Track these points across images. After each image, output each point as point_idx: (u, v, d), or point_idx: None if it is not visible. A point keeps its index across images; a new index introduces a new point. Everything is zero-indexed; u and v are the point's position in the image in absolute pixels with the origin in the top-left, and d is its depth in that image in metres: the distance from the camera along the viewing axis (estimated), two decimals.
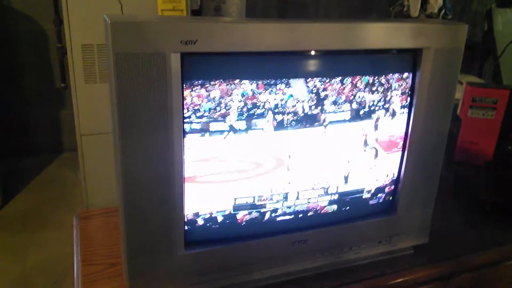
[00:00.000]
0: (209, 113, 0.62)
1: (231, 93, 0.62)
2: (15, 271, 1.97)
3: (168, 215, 0.64)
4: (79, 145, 2.07)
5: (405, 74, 0.73)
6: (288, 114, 0.66)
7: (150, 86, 0.57)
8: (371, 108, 0.72)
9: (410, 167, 0.79)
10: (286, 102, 0.65)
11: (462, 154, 1.21)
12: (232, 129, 0.64)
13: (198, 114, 0.61)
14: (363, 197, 0.79)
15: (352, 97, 0.70)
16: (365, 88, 0.70)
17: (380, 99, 0.72)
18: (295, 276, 0.77)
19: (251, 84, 0.63)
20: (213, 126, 0.63)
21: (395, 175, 0.80)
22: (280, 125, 0.66)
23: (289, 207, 0.73)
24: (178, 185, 0.63)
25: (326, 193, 0.75)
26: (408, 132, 0.77)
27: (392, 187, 0.81)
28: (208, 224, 0.69)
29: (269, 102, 0.64)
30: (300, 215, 0.75)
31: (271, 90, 0.64)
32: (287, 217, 0.74)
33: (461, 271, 0.88)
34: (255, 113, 0.64)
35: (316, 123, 0.68)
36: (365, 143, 0.74)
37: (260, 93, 0.63)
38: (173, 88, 0.58)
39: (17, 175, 2.73)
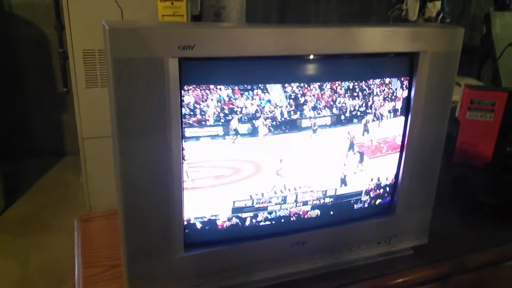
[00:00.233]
0: (207, 117, 0.63)
1: (230, 98, 0.63)
2: (17, 274, 1.97)
3: (167, 217, 0.65)
4: (81, 148, 2.09)
5: (403, 78, 0.74)
6: (287, 117, 0.67)
7: (148, 91, 0.58)
8: (368, 112, 0.73)
9: (408, 169, 0.79)
10: (281, 106, 0.66)
11: (461, 156, 1.22)
12: (231, 132, 0.65)
13: (197, 118, 0.62)
14: (361, 199, 0.79)
15: (349, 101, 0.70)
16: (362, 92, 0.71)
17: (375, 103, 0.73)
18: (294, 278, 0.78)
19: (248, 88, 0.64)
20: (211, 130, 0.64)
21: (394, 177, 0.81)
22: (280, 128, 0.67)
23: (288, 209, 0.74)
24: (177, 188, 0.64)
25: (325, 195, 0.75)
26: (405, 135, 0.77)
27: (391, 188, 0.81)
28: (207, 226, 0.70)
29: (262, 107, 0.65)
30: (298, 217, 0.75)
31: (253, 95, 0.65)
32: (286, 219, 0.74)
33: (460, 271, 0.89)
34: (253, 117, 0.65)
35: (319, 126, 0.69)
36: (362, 145, 0.75)
37: (248, 98, 0.64)
38: (171, 92, 0.59)
39: (19, 178, 2.74)
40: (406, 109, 0.76)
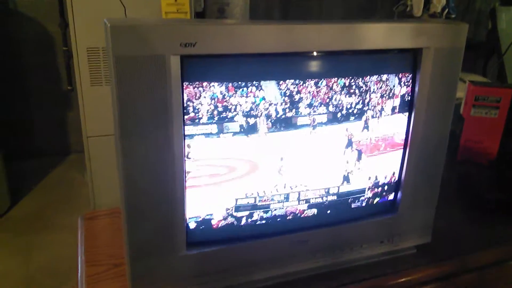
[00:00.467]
0: (209, 114, 0.62)
1: (232, 95, 0.63)
2: (21, 272, 1.99)
3: (169, 215, 0.65)
4: (85, 146, 2.09)
5: (406, 74, 0.74)
6: (290, 114, 0.67)
7: (150, 88, 0.58)
8: (371, 109, 0.72)
9: (411, 166, 0.79)
10: (281, 104, 0.66)
11: (466, 153, 1.21)
12: (235, 130, 0.64)
13: (199, 115, 0.62)
14: (364, 197, 0.79)
15: (355, 97, 0.70)
16: (364, 89, 0.70)
17: (377, 99, 0.72)
18: (296, 277, 0.78)
19: (249, 85, 0.63)
20: (213, 128, 0.63)
21: (396, 175, 0.80)
22: (283, 126, 0.67)
23: (290, 208, 0.73)
24: (179, 186, 0.64)
25: (327, 193, 0.75)
26: (409, 132, 0.77)
27: (394, 186, 0.81)
28: (209, 225, 0.70)
29: (267, 104, 0.65)
30: (301, 216, 0.75)
31: (255, 91, 0.65)
32: (288, 218, 0.74)
33: (465, 270, 0.88)
34: (256, 115, 0.65)
35: (324, 124, 0.69)
36: (363, 143, 0.74)
37: (249, 95, 0.64)
38: (173, 90, 0.59)
39: (24, 177, 2.75)
40: (410, 106, 0.76)
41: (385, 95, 0.73)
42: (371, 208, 0.80)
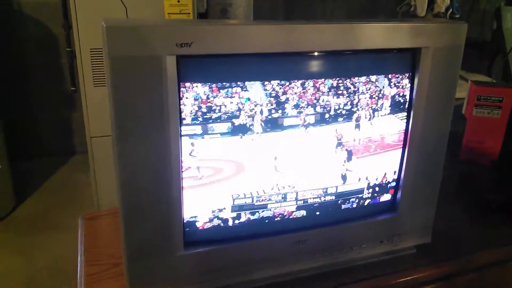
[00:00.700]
0: (206, 115, 0.62)
1: (230, 95, 0.63)
2: (25, 272, 1.99)
3: (167, 216, 0.65)
4: (89, 147, 2.10)
5: (404, 74, 0.73)
6: (289, 113, 0.67)
7: (146, 89, 0.58)
8: (369, 108, 0.72)
9: (411, 166, 0.78)
10: (275, 104, 0.66)
11: (468, 153, 1.20)
12: (231, 130, 0.64)
13: (195, 115, 0.62)
14: (363, 196, 0.79)
15: (353, 97, 0.70)
16: (365, 88, 0.70)
17: (374, 99, 0.72)
18: (295, 277, 0.77)
19: (244, 85, 0.63)
20: (211, 128, 0.63)
21: (396, 174, 0.80)
22: (280, 126, 0.67)
23: (288, 207, 0.73)
24: (176, 186, 0.64)
25: (326, 193, 0.75)
26: (408, 131, 0.76)
27: (393, 186, 0.81)
28: (207, 225, 0.70)
29: (260, 105, 0.65)
30: (300, 215, 0.75)
31: (254, 91, 0.65)
32: (286, 217, 0.74)
33: (465, 271, 0.88)
34: (254, 114, 0.65)
35: (325, 122, 0.69)
36: (362, 142, 0.74)
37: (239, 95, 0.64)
38: (169, 90, 0.59)
39: (29, 177, 2.77)
40: (409, 105, 0.75)
41: (388, 94, 0.72)
42: (370, 208, 0.80)
